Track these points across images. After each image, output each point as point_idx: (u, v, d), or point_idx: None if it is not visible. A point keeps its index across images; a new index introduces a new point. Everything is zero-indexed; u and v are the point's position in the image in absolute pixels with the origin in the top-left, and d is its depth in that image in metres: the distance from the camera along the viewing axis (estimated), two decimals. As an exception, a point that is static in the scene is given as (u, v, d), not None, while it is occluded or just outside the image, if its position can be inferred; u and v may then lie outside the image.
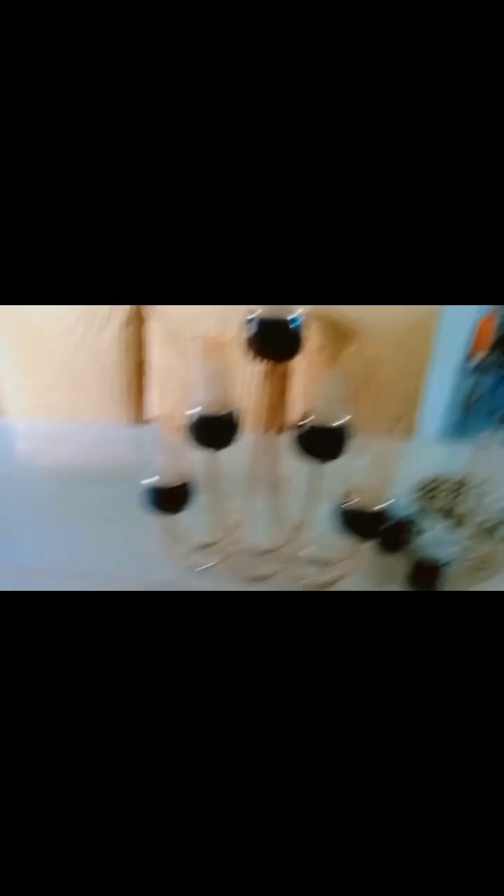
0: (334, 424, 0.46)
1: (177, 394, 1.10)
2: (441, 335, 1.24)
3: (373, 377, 1.21)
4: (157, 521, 0.55)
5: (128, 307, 1.13)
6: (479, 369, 2.37)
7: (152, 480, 0.52)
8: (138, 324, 1.16)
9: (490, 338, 2.37)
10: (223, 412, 0.47)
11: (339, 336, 0.44)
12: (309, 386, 0.45)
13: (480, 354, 2.33)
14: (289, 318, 0.42)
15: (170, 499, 0.52)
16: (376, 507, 0.48)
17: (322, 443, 0.47)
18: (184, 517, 0.60)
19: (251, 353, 0.45)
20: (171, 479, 0.52)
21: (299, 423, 0.47)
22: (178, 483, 0.52)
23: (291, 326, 0.42)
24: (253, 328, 0.43)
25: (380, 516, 0.48)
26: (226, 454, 0.54)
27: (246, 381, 0.45)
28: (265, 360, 0.45)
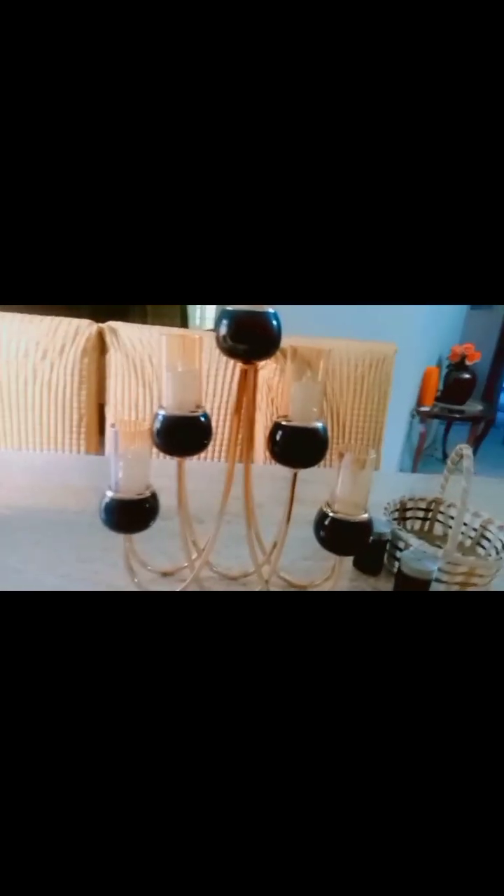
0: (311, 425, 0.44)
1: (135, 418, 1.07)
2: (394, 381, 1.30)
3: (338, 410, 1.24)
4: (118, 545, 0.50)
5: (87, 335, 1.11)
6: (427, 417, 2.52)
7: (110, 494, 0.47)
8: (97, 355, 1.13)
9: (436, 388, 2.56)
10: (141, 497, 0.46)
11: (305, 362, 0.43)
12: (283, 392, 0.43)
13: (427, 404, 2.50)
14: (262, 312, 0.41)
15: (128, 514, 0.47)
16: (358, 518, 0.45)
17: (299, 444, 0.44)
18: (147, 542, 0.56)
19: (224, 351, 0.42)
20: (129, 494, 0.46)
21: (276, 423, 0.44)
22: (137, 498, 0.47)
23: (264, 322, 0.41)
24: (226, 324, 0.41)
25: (362, 527, 0.45)
26: (193, 478, 0.51)
27: (218, 393, 0.43)
28: (237, 359, 0.43)
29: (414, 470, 2.61)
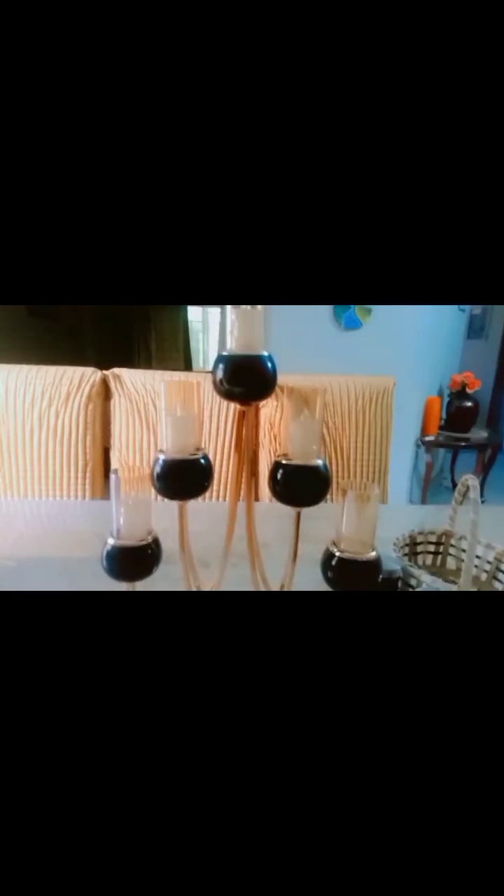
0: (312, 463, 0.43)
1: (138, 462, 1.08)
2: (396, 413, 1.31)
3: (341, 445, 1.24)
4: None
5: (92, 382, 1.13)
6: (432, 447, 2.52)
7: (111, 542, 0.46)
8: (101, 401, 1.16)
9: (439, 417, 2.57)
10: (143, 543, 0.45)
11: (305, 396, 0.44)
12: (283, 431, 0.43)
13: (432, 433, 2.50)
14: (256, 356, 0.41)
15: (130, 561, 0.46)
16: (366, 557, 0.44)
17: (300, 483, 0.44)
18: (150, 588, 0.54)
19: (221, 395, 0.43)
20: (130, 541, 0.46)
21: (277, 462, 0.44)
22: (139, 544, 0.46)
23: (259, 365, 0.42)
24: (222, 368, 0.42)
25: (370, 566, 0.44)
26: (196, 520, 0.50)
27: (215, 435, 0.43)
28: (235, 401, 0.43)
29: (423, 500, 2.57)
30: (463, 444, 2.54)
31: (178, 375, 1.27)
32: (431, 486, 2.63)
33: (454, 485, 3.18)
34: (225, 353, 0.41)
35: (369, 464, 1.24)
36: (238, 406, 0.45)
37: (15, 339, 2.57)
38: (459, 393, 2.59)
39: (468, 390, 2.56)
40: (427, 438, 2.50)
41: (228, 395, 0.42)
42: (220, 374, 0.42)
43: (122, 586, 0.48)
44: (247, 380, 0.42)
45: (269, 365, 0.42)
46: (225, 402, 1.18)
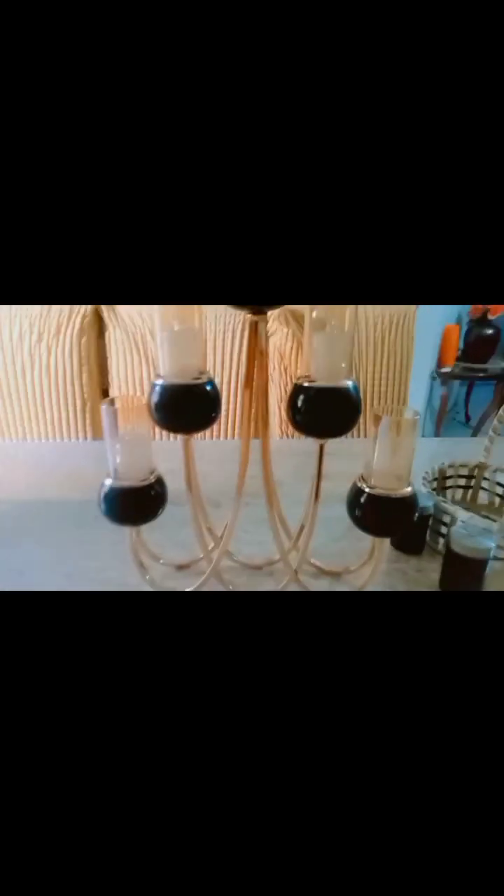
0: (341, 384, 0.36)
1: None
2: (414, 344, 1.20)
3: (358, 373, 1.15)
4: (125, 537, 0.44)
5: (83, 313, 1.03)
6: (449, 379, 2.40)
7: (109, 483, 0.40)
8: (96, 335, 1.06)
9: (456, 347, 2.42)
10: (145, 483, 0.40)
11: (327, 311, 0.36)
12: (305, 349, 0.35)
13: (448, 364, 2.36)
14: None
15: (131, 503, 0.41)
16: (400, 493, 0.38)
17: (328, 408, 0.37)
18: (157, 533, 0.50)
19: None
20: (130, 481, 0.40)
21: (298, 384, 0.37)
22: (140, 484, 0.40)
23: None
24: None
25: (405, 503, 0.38)
26: (202, 460, 0.44)
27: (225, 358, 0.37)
28: (244, 308, 0.35)
29: (437, 434, 2.50)
30: (481, 375, 2.42)
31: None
32: (445, 420, 2.55)
33: (468, 419, 3.09)
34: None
35: (388, 394, 1.15)
36: (248, 318, 0.36)
37: None
38: (480, 320, 2.41)
39: (490, 316, 2.39)
40: (443, 370, 2.37)
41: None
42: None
43: (125, 531, 0.43)
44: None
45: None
46: (226, 328, 1.07)
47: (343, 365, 0.36)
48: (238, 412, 1.13)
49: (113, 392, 1.11)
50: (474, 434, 2.56)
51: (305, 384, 0.36)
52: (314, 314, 0.36)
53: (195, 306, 0.37)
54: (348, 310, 0.37)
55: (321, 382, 0.36)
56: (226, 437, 1.12)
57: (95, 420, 1.09)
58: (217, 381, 0.39)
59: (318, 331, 0.37)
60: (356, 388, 0.37)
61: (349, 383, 0.36)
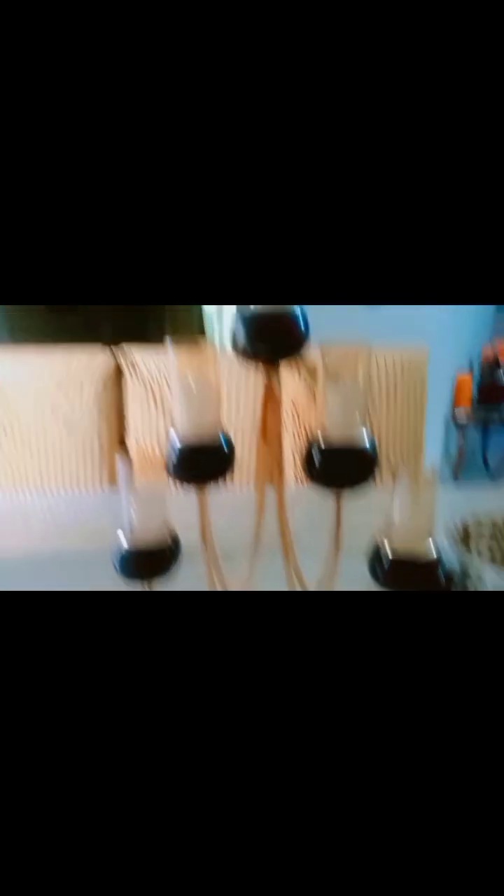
0: (357, 441, 0.35)
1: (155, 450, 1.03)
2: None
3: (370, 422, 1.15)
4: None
5: (103, 365, 1.07)
6: (465, 424, 2.38)
7: (123, 541, 0.40)
8: (115, 385, 1.10)
9: (470, 392, 2.42)
10: (159, 540, 0.39)
11: (340, 362, 0.36)
12: (319, 402, 0.35)
13: (463, 409, 2.36)
14: (284, 312, 0.33)
15: (144, 562, 0.39)
16: (424, 559, 0.36)
17: (343, 463, 0.36)
18: (172, 587, 0.48)
19: (242, 355, 0.35)
20: (143, 537, 0.39)
21: (313, 439, 0.36)
22: (154, 542, 0.39)
23: (287, 318, 0.34)
24: (243, 322, 0.34)
25: (431, 568, 0.36)
26: (218, 513, 0.43)
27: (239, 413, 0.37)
28: (258, 359, 0.35)
29: (455, 478, 2.45)
30: (496, 419, 2.40)
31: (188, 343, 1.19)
32: (462, 465, 2.50)
33: (486, 464, 3.03)
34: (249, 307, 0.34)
35: (402, 442, 1.14)
36: (261, 365, 0.37)
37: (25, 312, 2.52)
38: (492, 366, 2.43)
39: (501, 361, 2.40)
40: (458, 415, 2.36)
41: (252, 353, 0.35)
42: (241, 328, 0.34)
43: (139, 586, 0.42)
44: (274, 333, 0.34)
45: (300, 316, 0.34)
46: (240, 382, 1.10)
47: (357, 419, 0.36)
48: (252, 458, 1.13)
49: (130, 441, 1.13)
50: (493, 478, 2.50)
51: (320, 439, 0.36)
52: (327, 370, 0.36)
53: (211, 362, 0.38)
54: (360, 363, 0.37)
55: (336, 437, 0.36)
56: (240, 483, 1.11)
57: (111, 469, 1.10)
58: (231, 428, 0.39)
59: (332, 386, 0.37)
60: (373, 441, 0.36)
61: (365, 437, 0.36)
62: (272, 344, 0.34)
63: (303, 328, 0.34)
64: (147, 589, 0.42)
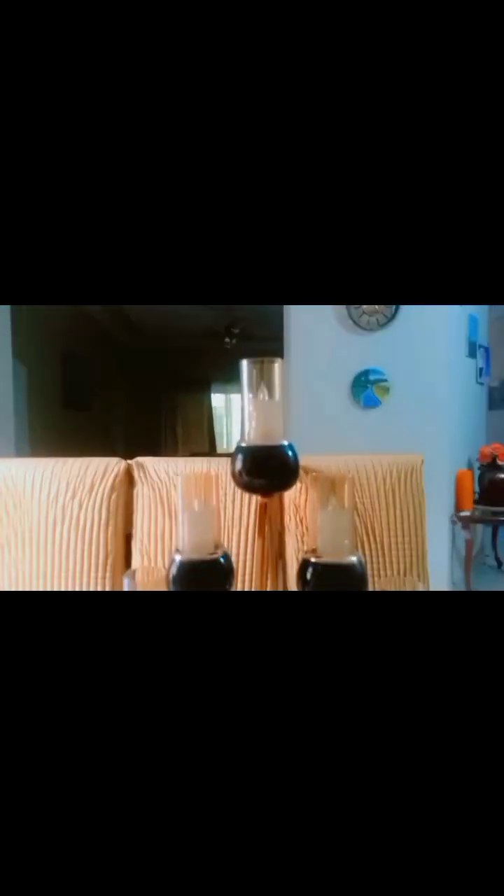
0: (345, 561, 0.39)
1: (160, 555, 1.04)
2: (427, 490, 1.25)
3: (373, 527, 1.16)
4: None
5: (116, 472, 1.14)
6: (470, 523, 2.37)
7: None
8: (124, 490, 1.16)
9: (472, 491, 2.45)
10: (212, 556, 0.41)
11: (331, 483, 0.41)
12: (311, 523, 0.40)
13: (467, 508, 2.37)
14: (276, 445, 0.39)
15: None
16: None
17: (334, 582, 0.39)
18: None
19: (241, 487, 0.40)
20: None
21: (305, 560, 0.40)
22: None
23: (281, 454, 0.39)
24: (241, 459, 0.40)
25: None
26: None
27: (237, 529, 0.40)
28: (255, 492, 0.40)
29: (467, 581, 2.36)
30: (502, 518, 2.39)
31: (201, 462, 1.27)
32: (473, 566, 2.43)
33: (499, 563, 2.94)
34: (243, 444, 0.40)
35: (405, 546, 1.15)
36: (259, 497, 0.42)
37: (50, 430, 2.71)
38: (490, 465, 2.49)
39: (499, 462, 2.47)
40: (463, 514, 2.37)
41: (248, 486, 0.40)
42: (239, 465, 0.40)
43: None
44: (267, 471, 0.39)
45: (290, 454, 0.40)
46: (243, 503, 1.15)
47: (346, 541, 0.40)
48: (254, 566, 1.13)
49: (135, 544, 1.15)
50: (508, 579, 2.40)
51: (313, 559, 0.40)
52: (314, 496, 0.41)
53: (213, 488, 0.43)
54: (346, 488, 0.42)
55: (327, 558, 0.39)
56: (242, 586, 1.10)
57: (116, 573, 1.10)
58: (235, 531, 0.43)
59: (322, 509, 0.41)
60: (361, 562, 0.40)
61: (353, 558, 0.39)
62: (267, 479, 0.40)
63: (293, 464, 0.40)
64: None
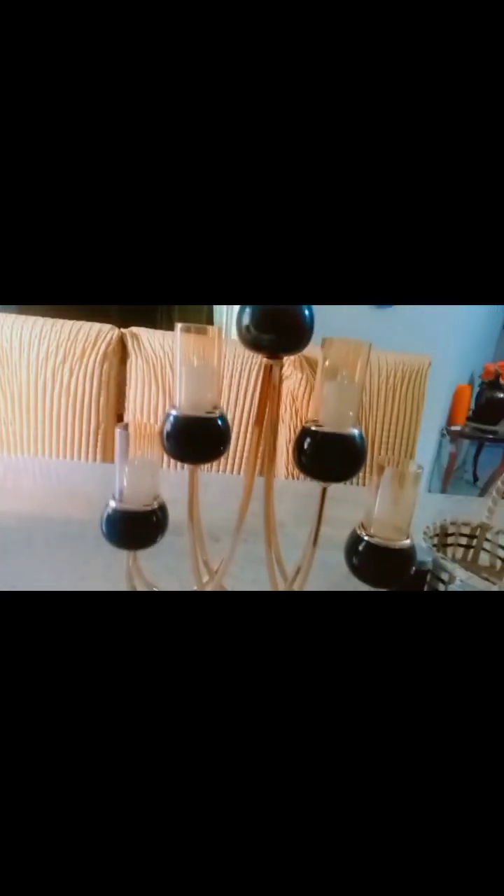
0: (347, 432, 0.37)
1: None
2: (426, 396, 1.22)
3: (366, 423, 1.16)
4: (123, 563, 0.44)
5: (109, 340, 1.08)
6: (458, 437, 2.41)
7: (113, 505, 0.41)
8: (117, 360, 1.11)
9: (468, 407, 2.45)
10: (148, 508, 0.41)
11: (341, 358, 0.38)
12: (314, 396, 0.37)
13: (459, 423, 2.39)
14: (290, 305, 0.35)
15: (132, 527, 0.41)
16: (399, 544, 0.38)
17: (333, 453, 0.37)
18: (154, 560, 0.50)
19: (246, 344, 0.37)
20: (133, 505, 0.41)
21: (306, 428, 0.38)
22: (143, 509, 0.41)
23: (293, 310, 0.35)
24: (250, 313, 0.35)
25: (403, 555, 0.38)
26: (206, 492, 0.45)
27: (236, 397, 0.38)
28: (261, 352, 0.37)
29: (443, 491, 2.48)
30: (490, 437, 2.43)
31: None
32: (451, 479, 2.54)
33: (476, 478, 3.07)
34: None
35: (395, 448, 1.16)
36: (263, 362, 0.38)
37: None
38: (491, 383, 2.45)
39: (501, 381, 2.43)
40: (453, 428, 2.39)
41: (255, 344, 0.36)
42: (247, 319, 0.35)
43: (122, 555, 0.43)
44: (278, 327, 0.35)
45: (306, 312, 0.35)
46: (243, 368, 1.11)
47: (350, 413, 0.38)
48: (246, 449, 1.15)
49: (127, 418, 1.14)
50: (481, 494, 2.53)
51: (313, 428, 0.38)
52: (327, 363, 0.38)
53: (215, 344, 0.39)
54: (360, 361, 0.38)
55: (328, 428, 0.37)
56: (232, 472, 1.12)
57: (106, 444, 1.11)
58: (229, 416, 0.41)
59: (330, 379, 0.38)
60: (362, 436, 0.38)
61: (355, 431, 0.38)
62: (277, 336, 0.36)
63: (308, 323, 0.36)
64: (132, 558, 0.44)
